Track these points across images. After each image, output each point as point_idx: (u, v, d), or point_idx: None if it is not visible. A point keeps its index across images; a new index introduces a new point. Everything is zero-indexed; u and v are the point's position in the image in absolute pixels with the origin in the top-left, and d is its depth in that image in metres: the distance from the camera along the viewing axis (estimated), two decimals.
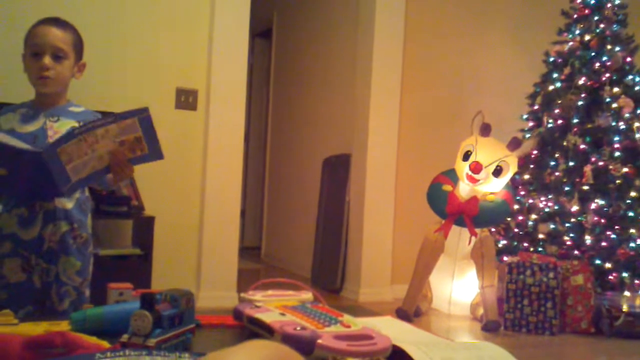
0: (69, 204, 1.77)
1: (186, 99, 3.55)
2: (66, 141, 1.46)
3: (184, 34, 3.54)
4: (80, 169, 1.52)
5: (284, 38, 5.74)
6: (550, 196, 3.85)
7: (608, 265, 3.62)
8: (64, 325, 0.97)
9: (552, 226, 3.80)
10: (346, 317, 0.94)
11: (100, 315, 0.98)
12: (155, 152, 1.58)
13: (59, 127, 1.74)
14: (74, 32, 1.80)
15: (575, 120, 3.88)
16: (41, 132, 1.72)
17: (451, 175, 3.67)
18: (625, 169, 3.75)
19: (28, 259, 1.74)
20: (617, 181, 3.72)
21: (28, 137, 1.66)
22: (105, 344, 0.85)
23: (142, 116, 1.50)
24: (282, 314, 0.95)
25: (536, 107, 4.11)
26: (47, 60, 1.71)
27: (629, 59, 3.94)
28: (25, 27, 1.78)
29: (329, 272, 4.47)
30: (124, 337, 0.83)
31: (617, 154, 3.76)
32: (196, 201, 3.59)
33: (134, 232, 3.41)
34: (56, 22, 1.77)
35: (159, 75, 3.47)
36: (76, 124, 1.71)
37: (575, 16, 4.08)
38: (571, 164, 3.83)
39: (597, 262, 3.61)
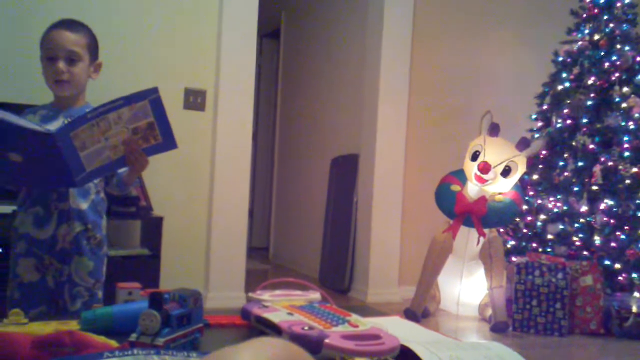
0: (83, 204, 1.77)
1: (194, 100, 3.56)
2: (78, 125, 1.44)
3: (191, 34, 3.55)
4: (94, 159, 1.51)
5: (292, 38, 5.74)
6: (559, 196, 3.84)
7: (617, 265, 3.60)
8: (73, 325, 0.98)
9: (561, 226, 3.78)
10: (354, 317, 0.94)
11: (109, 315, 0.99)
12: (168, 141, 1.57)
13: None
14: (87, 33, 1.80)
15: (585, 120, 3.86)
16: None
17: (459, 175, 3.66)
18: (634, 169, 3.72)
19: (42, 259, 1.74)
20: (627, 181, 3.70)
21: None
22: (114, 343, 0.85)
23: (153, 98, 1.49)
24: (290, 314, 0.95)
25: (545, 107, 4.10)
26: (61, 64, 1.72)
27: (638, 59, 3.92)
28: (42, 28, 1.78)
29: (337, 273, 4.46)
30: (133, 337, 0.84)
31: (626, 154, 3.74)
32: (204, 202, 3.59)
33: (143, 232, 3.42)
34: (69, 24, 1.76)
35: (167, 75, 3.48)
36: None
37: (584, 15, 4.07)
38: (580, 164, 3.81)
39: (607, 262, 3.59)
